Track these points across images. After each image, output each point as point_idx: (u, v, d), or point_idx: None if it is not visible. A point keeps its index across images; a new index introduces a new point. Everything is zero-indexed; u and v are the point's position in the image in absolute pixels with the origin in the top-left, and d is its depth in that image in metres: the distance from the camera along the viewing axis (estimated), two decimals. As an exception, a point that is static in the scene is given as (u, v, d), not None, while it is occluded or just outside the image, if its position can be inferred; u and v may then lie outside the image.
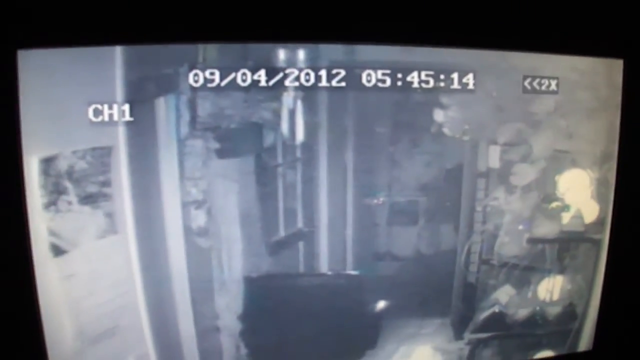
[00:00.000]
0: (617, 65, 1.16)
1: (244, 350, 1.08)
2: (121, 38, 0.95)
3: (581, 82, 1.14)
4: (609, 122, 1.17)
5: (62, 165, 0.96)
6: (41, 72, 0.93)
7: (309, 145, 1.05)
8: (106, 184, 0.98)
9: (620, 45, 1.15)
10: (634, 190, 1.18)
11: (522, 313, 1.19)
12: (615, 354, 1.24)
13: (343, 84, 1.03)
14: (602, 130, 1.17)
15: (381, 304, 1.12)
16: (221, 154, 1.01)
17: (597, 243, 1.20)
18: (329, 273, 1.09)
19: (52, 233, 0.97)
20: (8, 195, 0.94)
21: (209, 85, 0.99)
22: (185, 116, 0.99)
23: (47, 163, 0.95)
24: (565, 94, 1.14)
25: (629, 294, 1.21)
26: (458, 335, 1.17)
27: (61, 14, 0.92)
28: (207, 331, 1.06)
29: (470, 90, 1.09)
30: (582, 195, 1.18)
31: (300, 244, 1.08)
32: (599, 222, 1.20)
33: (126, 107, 0.97)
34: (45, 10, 0.92)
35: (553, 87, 1.13)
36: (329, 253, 1.08)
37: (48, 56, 0.93)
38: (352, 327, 1.12)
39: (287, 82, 1.01)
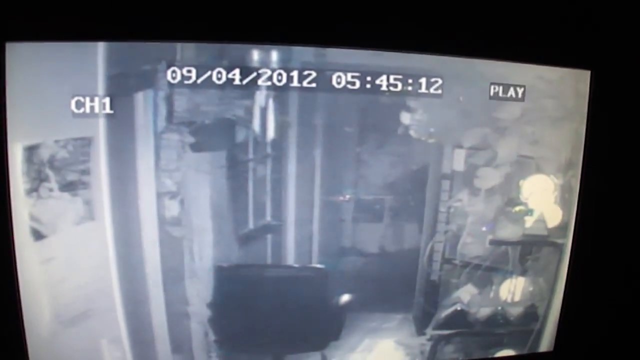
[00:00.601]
0: (584, 76, 1.18)
1: (212, 337, 1.11)
2: (104, 35, 0.98)
3: (548, 91, 1.16)
4: (574, 130, 1.19)
5: (45, 153, 0.99)
6: (28, 64, 0.97)
7: (279, 143, 1.08)
8: (85, 172, 1.01)
9: (587, 56, 1.17)
10: (597, 197, 1.21)
11: (484, 312, 1.22)
12: (575, 355, 1.26)
13: (314, 85, 1.06)
14: (567, 138, 1.19)
15: (345, 297, 1.15)
16: (195, 147, 1.04)
17: (559, 247, 1.22)
18: (296, 265, 1.12)
19: (33, 218, 1.00)
20: (-8, 181, 0.98)
21: (186, 82, 1.02)
22: (163, 111, 1.02)
23: (31, 151, 0.99)
24: (531, 101, 1.16)
25: (590, 297, 1.23)
26: (420, 331, 1.20)
27: (49, 10, 0.95)
28: (177, 317, 1.09)
29: (438, 95, 1.11)
30: (545, 200, 1.20)
31: (269, 237, 1.10)
32: (562, 227, 1.22)
33: (107, 100, 1.00)
34: (34, 5, 0.95)
35: (520, 94, 1.15)
36: (295, 246, 1.11)
37: (35, 49, 0.96)
38: (316, 318, 1.15)
39: (260, 82, 1.04)
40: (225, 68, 1.03)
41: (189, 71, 1.02)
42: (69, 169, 1.01)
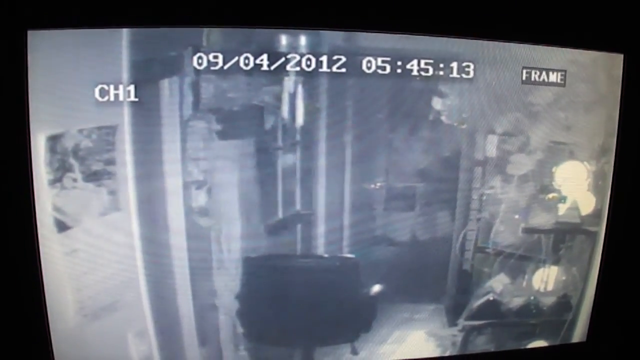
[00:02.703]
0: (617, 60, 1.16)
1: (240, 329, 1.09)
2: (128, 20, 0.97)
3: (581, 75, 1.14)
4: (608, 115, 1.17)
5: (68, 143, 0.98)
6: (50, 52, 0.95)
7: (309, 129, 1.05)
8: (110, 162, 1.00)
9: (621, 39, 1.15)
10: (631, 184, 1.18)
11: (516, 302, 1.20)
12: (608, 346, 1.24)
13: (343, 70, 1.04)
14: (601, 124, 1.17)
15: (376, 288, 1.13)
16: (223, 135, 1.02)
17: (592, 235, 1.20)
18: (326, 256, 1.10)
19: (57, 209, 0.99)
20: (15, 171, 0.97)
21: (213, 68, 1.00)
22: (189, 98, 1.01)
23: (54, 141, 0.97)
24: (564, 86, 1.14)
25: (624, 286, 1.21)
26: (452, 322, 1.18)
27: (70, -4, 0.94)
28: (205, 309, 1.07)
29: (469, 80, 1.09)
30: (578, 187, 1.18)
31: (298, 227, 1.08)
32: (595, 215, 1.20)
33: (131, 87, 0.98)
34: (55, -9, 0.94)
35: (552, 79, 1.13)
36: (325, 236, 1.09)
37: (57, 37, 0.95)
38: (347, 309, 1.13)
39: (288, 67, 1.02)
40: (252, 53, 1.01)
41: (216, 57, 1.00)
42: (93, 158, 0.99)
